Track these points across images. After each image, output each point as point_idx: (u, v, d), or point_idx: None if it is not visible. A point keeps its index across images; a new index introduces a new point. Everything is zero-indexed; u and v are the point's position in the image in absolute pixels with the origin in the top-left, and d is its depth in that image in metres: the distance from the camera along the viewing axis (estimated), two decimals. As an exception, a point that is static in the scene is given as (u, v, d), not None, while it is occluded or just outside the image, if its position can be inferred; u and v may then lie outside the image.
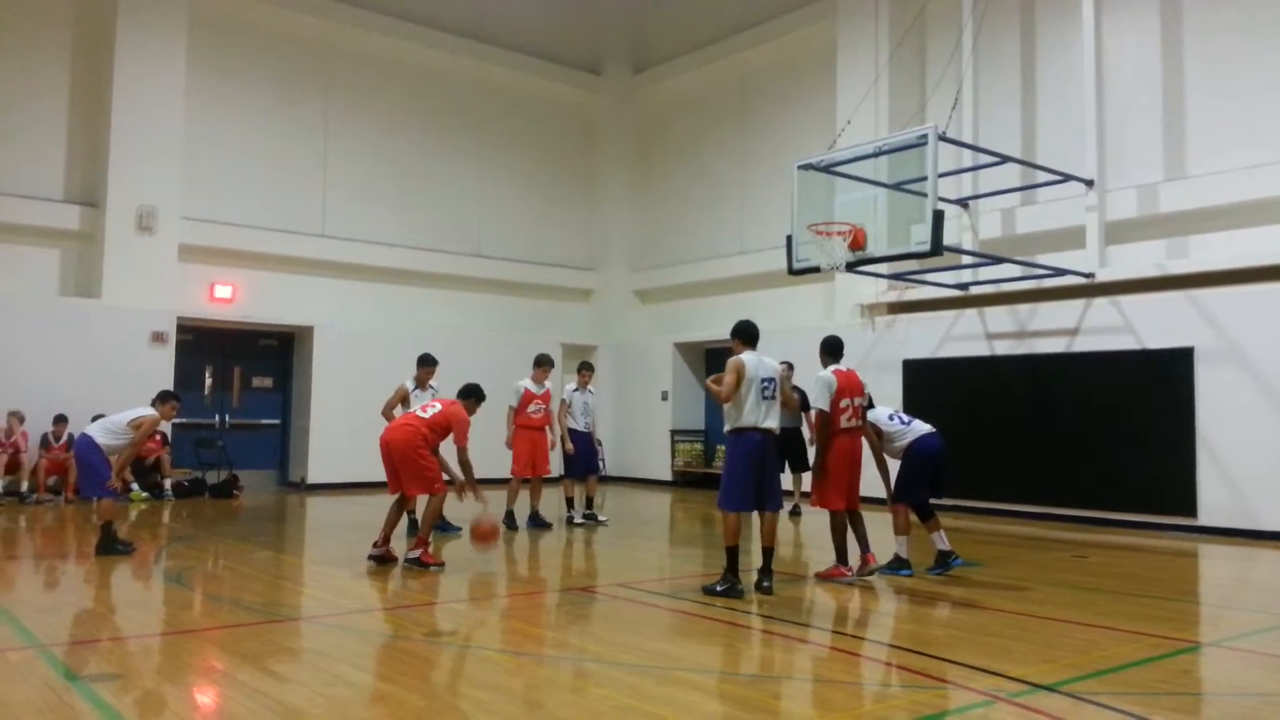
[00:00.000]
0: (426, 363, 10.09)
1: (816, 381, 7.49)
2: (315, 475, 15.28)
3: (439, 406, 8.15)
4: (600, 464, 12.16)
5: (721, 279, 17.46)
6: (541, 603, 6.99)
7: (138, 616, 6.39)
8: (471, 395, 8.55)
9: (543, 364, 10.88)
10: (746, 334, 6.94)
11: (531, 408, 10.68)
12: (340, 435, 15.12)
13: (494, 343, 16.64)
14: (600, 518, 11.17)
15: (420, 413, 8.13)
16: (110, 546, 8.40)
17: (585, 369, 11.34)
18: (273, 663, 4.91)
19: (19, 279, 13.53)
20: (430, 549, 8.03)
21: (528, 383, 10.76)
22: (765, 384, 6.77)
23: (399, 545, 8.27)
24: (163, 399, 8.71)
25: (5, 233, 13.48)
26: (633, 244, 19.55)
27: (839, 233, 10.74)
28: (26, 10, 13.89)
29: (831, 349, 7.76)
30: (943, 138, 10.23)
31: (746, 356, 6.78)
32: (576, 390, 11.15)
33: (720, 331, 16.85)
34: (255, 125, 15.64)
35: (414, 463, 7.81)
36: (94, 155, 14.19)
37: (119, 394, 13.37)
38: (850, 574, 7.36)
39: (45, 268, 13.94)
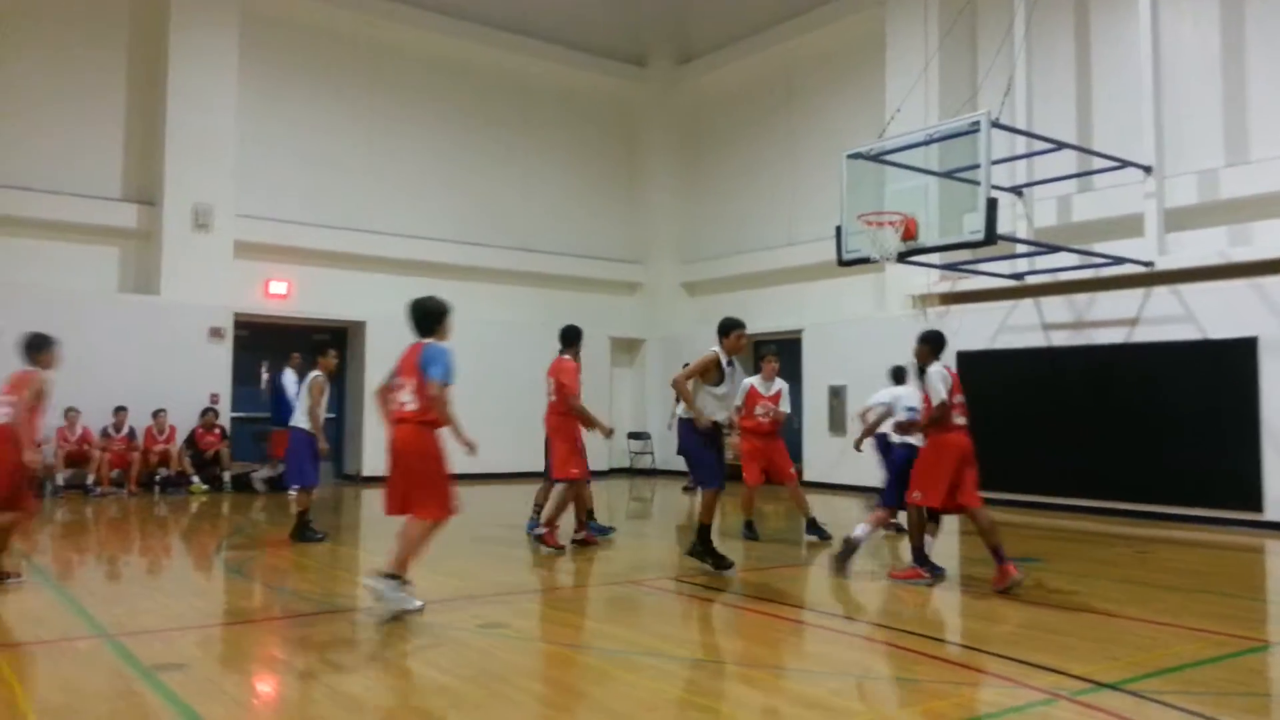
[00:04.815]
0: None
1: (930, 376, 7.00)
2: (370, 468, 15.48)
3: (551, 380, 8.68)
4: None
5: (770, 270, 17.35)
6: (593, 596, 7.02)
7: (201, 606, 6.52)
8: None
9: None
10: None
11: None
12: (391, 429, 15.28)
13: (543, 337, 16.64)
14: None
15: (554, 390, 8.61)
16: (305, 534, 8.85)
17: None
18: (332, 653, 4.98)
19: (81, 276, 13.88)
20: (554, 531, 8.45)
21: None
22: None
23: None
24: (320, 352, 9.38)
25: (67, 231, 13.84)
26: (680, 236, 19.50)
27: (890, 223, 10.60)
28: (82, 14, 14.21)
29: (935, 343, 7.23)
30: (995, 124, 10.05)
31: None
32: None
33: (770, 323, 16.91)
34: (306, 123, 15.87)
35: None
36: (150, 155, 14.50)
37: (179, 388, 13.77)
38: (928, 577, 7.00)
39: (106, 265, 14.28)
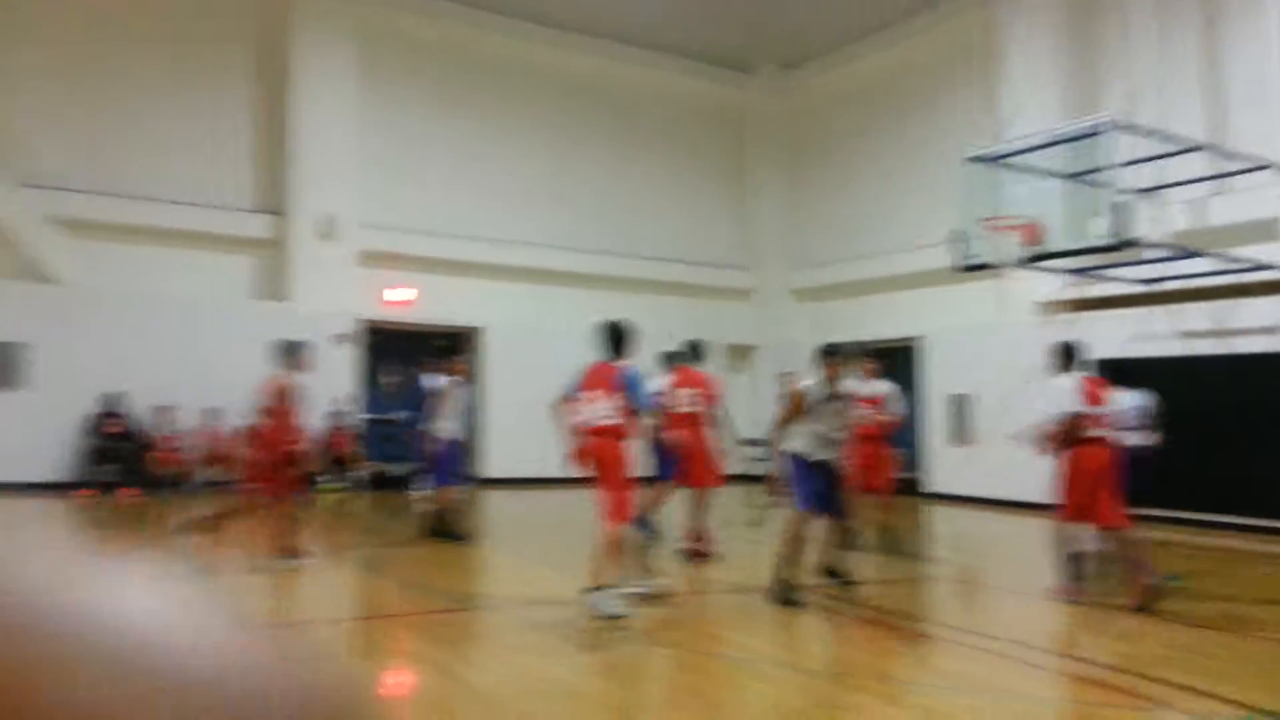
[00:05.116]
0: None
1: (1054, 389, 6.84)
2: (488, 470, 15.84)
3: (701, 388, 8.60)
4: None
5: (882, 277, 17.05)
6: (714, 602, 7.02)
7: (335, 601, 6.79)
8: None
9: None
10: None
11: None
12: (510, 432, 15.59)
13: (655, 344, 16.71)
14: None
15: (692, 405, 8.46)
16: (446, 533, 9.03)
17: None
18: (466, 649, 5.13)
19: (216, 283, 14.61)
20: (702, 542, 8.43)
21: None
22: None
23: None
24: (450, 358, 9.69)
25: (203, 240, 14.59)
26: (790, 242, 19.35)
27: (1012, 227, 10.31)
28: (209, 36, 14.95)
29: (1068, 353, 7.01)
30: (1121, 126, 9.65)
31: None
32: None
33: (885, 330, 16.57)
34: (422, 135, 16.32)
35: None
36: (277, 167, 15.18)
37: (310, 392, 14.26)
38: (1067, 593, 6.64)
39: (239, 273, 15.01)
